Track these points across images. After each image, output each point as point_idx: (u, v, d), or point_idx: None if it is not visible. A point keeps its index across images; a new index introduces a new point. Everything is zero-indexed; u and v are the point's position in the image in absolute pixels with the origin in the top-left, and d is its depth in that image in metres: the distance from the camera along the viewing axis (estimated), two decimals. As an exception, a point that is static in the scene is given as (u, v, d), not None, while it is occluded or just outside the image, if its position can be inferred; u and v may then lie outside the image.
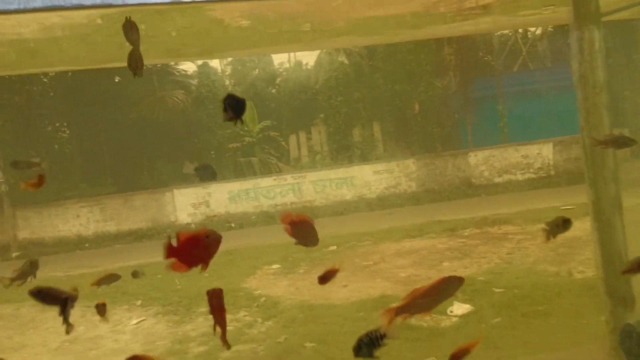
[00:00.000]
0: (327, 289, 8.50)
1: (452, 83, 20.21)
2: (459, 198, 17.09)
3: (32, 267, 2.46)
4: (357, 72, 20.18)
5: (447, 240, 11.00)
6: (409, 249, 10.53)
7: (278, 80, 23.54)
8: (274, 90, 23.08)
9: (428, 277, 8.48)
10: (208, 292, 2.10)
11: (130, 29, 1.99)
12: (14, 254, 16.39)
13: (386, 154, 18.94)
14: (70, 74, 17.87)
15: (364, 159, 18.79)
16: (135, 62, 1.97)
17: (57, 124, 20.74)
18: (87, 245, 16.83)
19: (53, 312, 7.64)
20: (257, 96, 21.94)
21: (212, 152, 19.58)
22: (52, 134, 20.57)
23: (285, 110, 21.47)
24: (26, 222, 17.22)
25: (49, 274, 11.96)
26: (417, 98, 19.27)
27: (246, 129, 20.65)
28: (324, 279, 3.03)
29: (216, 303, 2.07)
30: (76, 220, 17.33)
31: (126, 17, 1.95)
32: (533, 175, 17.97)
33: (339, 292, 8.21)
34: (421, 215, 14.23)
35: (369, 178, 17.74)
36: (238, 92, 22.93)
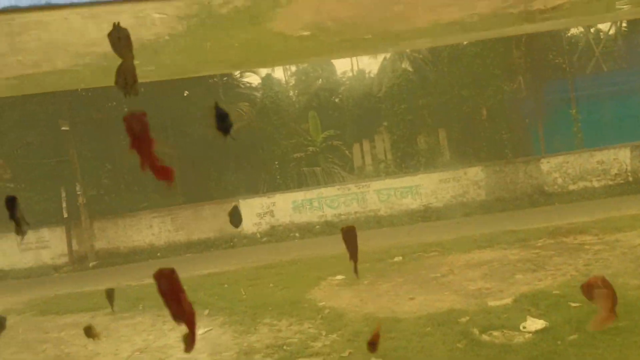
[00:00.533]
0: (393, 301, 8.33)
1: (522, 87, 19.50)
2: (531, 207, 16.43)
3: None
4: (421, 78, 19.87)
5: (519, 251, 10.53)
6: (478, 260, 10.16)
7: (341, 89, 23.55)
8: (337, 100, 23.09)
9: (500, 289, 8.14)
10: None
11: (119, 37, 1.63)
12: (91, 264, 17.14)
13: (453, 162, 18.48)
14: (142, 88, 18.53)
15: (430, 166, 18.42)
16: (126, 78, 1.64)
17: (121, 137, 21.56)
18: (159, 254, 17.36)
19: (125, 320, 7.89)
20: (321, 106, 22.03)
21: (276, 162, 19.77)
22: (126, 146, 21.40)
23: (349, 119, 21.42)
24: (103, 233, 17.97)
25: (125, 283, 12.41)
26: (485, 103, 18.71)
27: (310, 138, 20.76)
28: (373, 344, 2.78)
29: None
30: (149, 230, 17.93)
31: (114, 23, 1.60)
32: (610, 182, 17.02)
33: (405, 305, 8.01)
34: (491, 224, 13.75)
35: (435, 186, 17.37)
36: (302, 102, 23.26)
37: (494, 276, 9.01)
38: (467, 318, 7.02)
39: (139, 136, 1.65)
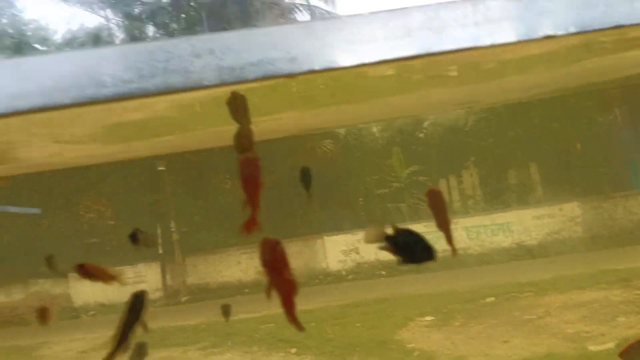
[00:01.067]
0: (486, 344, 7.97)
1: (618, 118, 18.48)
2: (633, 244, 15.31)
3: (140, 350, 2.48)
4: (510, 110, 19.32)
5: (621, 292, 9.80)
6: (577, 302, 9.55)
7: (425, 123, 23.35)
8: (421, 135, 22.89)
9: (601, 333, 7.60)
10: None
11: (236, 105, 1.72)
12: (183, 299, 17.76)
13: (547, 197, 17.67)
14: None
15: (522, 203, 17.70)
16: (243, 143, 1.76)
17: (221, 176, 22.45)
18: (246, 290, 17.69)
19: (215, 356, 8.01)
20: (405, 141, 21.91)
21: (361, 199, 19.76)
22: (217, 185, 22.28)
23: (434, 154, 21.12)
24: (194, 268, 18.62)
25: (213, 319, 12.71)
26: (579, 136, 17.88)
27: (394, 174, 20.64)
28: None
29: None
30: (237, 266, 18.37)
31: (232, 92, 1.70)
32: None
33: (499, 348, 7.64)
34: (589, 263, 12.94)
35: (528, 223, 16.63)
36: (385, 138, 23.28)
37: (595, 318, 8.43)
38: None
39: (250, 179, 1.81)
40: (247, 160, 1.76)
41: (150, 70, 0.93)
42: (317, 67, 1.08)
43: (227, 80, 0.99)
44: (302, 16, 19.82)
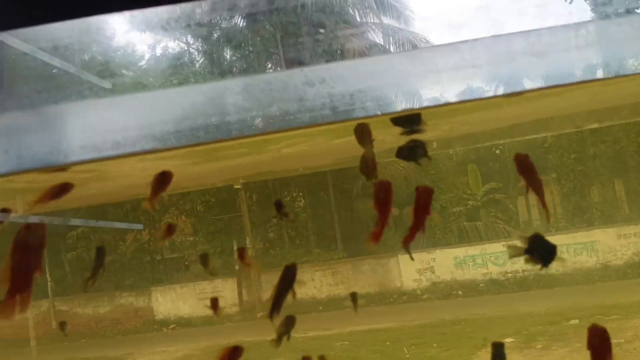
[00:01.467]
0: (570, 369, 7.63)
1: None
2: None
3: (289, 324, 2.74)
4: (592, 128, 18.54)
5: None
6: (670, 326, 8.97)
7: (501, 140, 22.74)
8: (497, 151, 22.32)
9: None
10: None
11: (362, 132, 1.92)
12: (259, 314, 18.08)
13: (633, 215, 16.73)
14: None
15: (607, 221, 16.83)
16: (368, 165, 2.07)
17: (294, 194, 22.81)
18: (320, 307, 17.78)
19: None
20: (481, 158, 21.43)
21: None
22: (290, 203, 22.65)
23: (512, 171, 20.51)
24: (269, 284, 18.93)
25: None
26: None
27: (470, 192, 20.21)
28: None
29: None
30: (311, 283, 18.52)
31: (358, 123, 1.90)
32: None
33: (585, 373, 7.28)
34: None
35: (613, 242, 15.78)
36: (460, 155, 22.87)
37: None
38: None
39: (383, 199, 2.09)
40: (381, 184, 2.04)
41: (267, 100, 1.03)
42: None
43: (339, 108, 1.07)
44: (376, 36, 19.94)
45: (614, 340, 7.14)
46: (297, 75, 1.02)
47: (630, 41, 1.25)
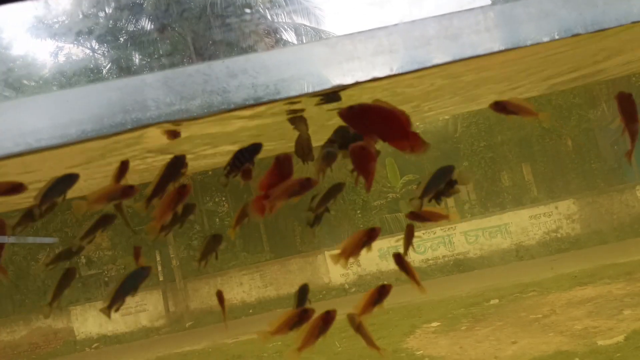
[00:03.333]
0: (494, 346, 7.99)
1: (606, 112, 18.70)
2: (632, 237, 15.41)
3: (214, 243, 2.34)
4: (498, 115, 19.49)
5: (624, 285, 9.86)
6: (581, 298, 9.60)
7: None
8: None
9: (609, 327, 7.64)
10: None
11: (299, 118, 1.89)
12: (187, 324, 17.65)
13: (541, 196, 17.79)
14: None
15: (518, 203, 17.81)
16: (303, 148, 1.93)
17: (216, 199, 22.46)
18: (251, 311, 17.63)
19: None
20: (397, 151, 21.98)
21: (358, 211, 19.81)
22: (214, 208, 22.28)
23: (427, 162, 21.24)
24: (196, 293, 18.54)
25: (220, 342, 12.65)
26: (569, 133, 18.05)
27: (389, 185, 20.71)
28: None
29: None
30: (239, 287, 18.31)
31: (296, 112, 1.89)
32: None
33: (507, 349, 7.66)
34: (590, 259, 13.00)
35: (525, 224, 16.72)
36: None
37: (601, 314, 8.46)
38: (578, 360, 6.63)
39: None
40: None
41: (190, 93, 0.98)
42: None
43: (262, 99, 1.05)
44: (288, 35, 19.95)
45: (531, 316, 7.54)
46: (218, 66, 0.99)
47: (534, 20, 1.32)
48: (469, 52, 1.32)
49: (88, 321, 18.06)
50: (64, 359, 16.33)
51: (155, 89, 1.00)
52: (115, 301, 1.97)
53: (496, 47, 1.38)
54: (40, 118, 0.99)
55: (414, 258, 17.14)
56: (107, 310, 1.96)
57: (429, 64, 1.34)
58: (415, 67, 1.33)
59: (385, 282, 2.09)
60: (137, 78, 1.02)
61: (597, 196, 16.70)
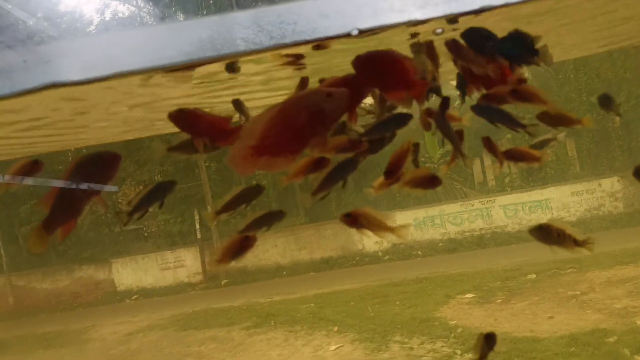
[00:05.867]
0: (530, 320, 7.96)
1: (658, 89, 17.96)
2: None
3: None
4: (544, 86, 18.95)
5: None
6: (621, 277, 9.42)
7: (456, 102, 23.01)
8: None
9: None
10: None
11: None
12: (223, 282, 18.09)
13: (585, 173, 17.35)
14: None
15: (560, 179, 17.41)
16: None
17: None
18: (284, 273, 17.92)
19: (259, 336, 8.16)
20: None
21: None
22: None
23: (467, 133, 20.80)
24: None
25: (254, 300, 12.95)
26: (617, 109, 17.42)
27: (427, 155, 20.48)
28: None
29: None
30: (274, 249, 18.59)
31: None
32: None
33: (543, 324, 7.63)
34: (632, 239, 12.69)
35: (566, 200, 16.37)
36: (416, 119, 23.00)
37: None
38: (615, 338, 6.55)
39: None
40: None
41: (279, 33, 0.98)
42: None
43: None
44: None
45: (569, 293, 7.44)
46: (310, 6, 0.98)
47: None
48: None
49: (128, 274, 18.68)
50: (105, 308, 16.97)
51: (245, 27, 1.00)
52: (138, 210, 1.94)
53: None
54: (129, 53, 1.01)
55: (450, 229, 17.04)
56: (126, 217, 1.92)
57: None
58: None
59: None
60: (228, 16, 1.02)
61: (643, 175, 16.18)
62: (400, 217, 17.54)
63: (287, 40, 1.00)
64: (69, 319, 15.53)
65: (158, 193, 1.94)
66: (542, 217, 16.46)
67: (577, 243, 1.92)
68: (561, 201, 16.43)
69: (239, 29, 1.00)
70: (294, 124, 1.22)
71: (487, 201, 17.07)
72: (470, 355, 6.95)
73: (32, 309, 18.20)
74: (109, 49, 1.03)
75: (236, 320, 11.00)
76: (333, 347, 8.30)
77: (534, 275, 10.52)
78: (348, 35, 1.05)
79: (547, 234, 1.97)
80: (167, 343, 10.55)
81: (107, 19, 20.25)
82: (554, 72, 18.83)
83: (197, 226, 18.66)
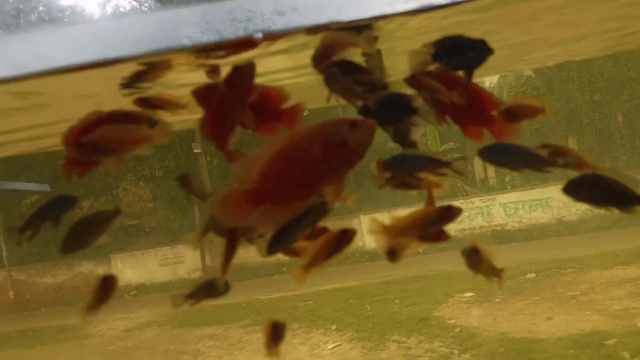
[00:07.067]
0: (528, 320, 7.89)
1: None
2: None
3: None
4: (547, 85, 18.85)
5: (667, 268, 9.58)
6: (622, 278, 9.34)
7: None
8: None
9: (649, 309, 7.45)
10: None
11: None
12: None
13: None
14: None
15: (561, 178, 17.28)
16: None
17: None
18: (284, 269, 17.87)
19: (257, 333, 8.17)
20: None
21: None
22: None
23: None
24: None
25: (253, 297, 12.91)
26: (620, 108, 17.34)
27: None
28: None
29: None
30: (274, 246, 18.54)
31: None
32: None
33: (542, 324, 7.56)
34: (634, 238, 12.59)
35: (567, 199, 16.18)
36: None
37: (643, 295, 8.25)
38: (615, 340, 6.48)
39: None
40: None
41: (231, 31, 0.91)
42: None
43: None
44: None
45: (569, 293, 7.40)
46: (265, 2, 0.91)
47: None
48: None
49: (128, 269, 18.68)
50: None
51: (192, 25, 0.92)
52: (28, 227, 1.50)
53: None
54: (67, 49, 0.94)
55: (450, 227, 16.94)
56: (17, 235, 1.55)
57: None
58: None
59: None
60: (172, 12, 0.94)
61: (645, 174, 16.09)
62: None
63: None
64: (69, 313, 15.51)
65: (54, 210, 1.56)
66: (542, 216, 16.39)
67: (494, 272, 1.69)
68: (562, 200, 16.32)
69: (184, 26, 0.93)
70: (304, 162, 0.97)
71: (488, 199, 17.00)
72: (468, 356, 6.92)
73: (33, 303, 18.24)
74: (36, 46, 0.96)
75: (234, 318, 10.97)
76: (330, 346, 8.26)
77: (533, 275, 10.46)
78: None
79: (474, 259, 1.71)
80: (164, 340, 10.53)
81: (108, 13, 20.21)
82: (557, 71, 18.74)
83: (197, 222, 18.64)
